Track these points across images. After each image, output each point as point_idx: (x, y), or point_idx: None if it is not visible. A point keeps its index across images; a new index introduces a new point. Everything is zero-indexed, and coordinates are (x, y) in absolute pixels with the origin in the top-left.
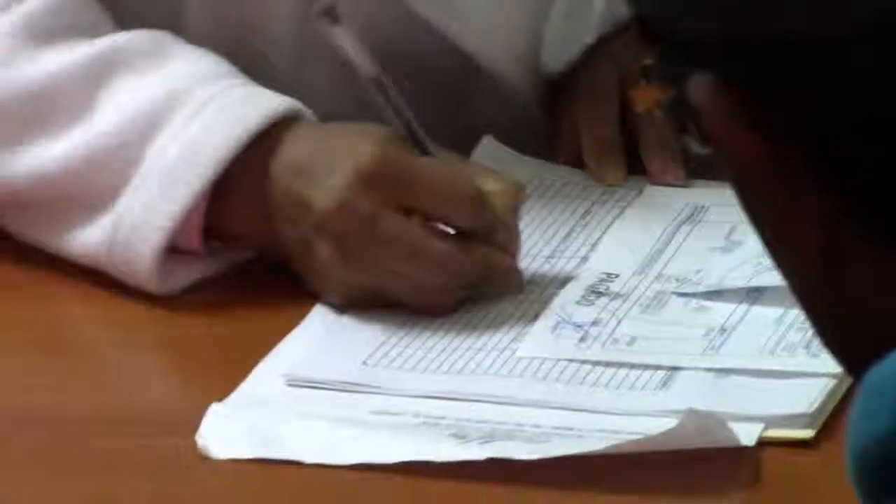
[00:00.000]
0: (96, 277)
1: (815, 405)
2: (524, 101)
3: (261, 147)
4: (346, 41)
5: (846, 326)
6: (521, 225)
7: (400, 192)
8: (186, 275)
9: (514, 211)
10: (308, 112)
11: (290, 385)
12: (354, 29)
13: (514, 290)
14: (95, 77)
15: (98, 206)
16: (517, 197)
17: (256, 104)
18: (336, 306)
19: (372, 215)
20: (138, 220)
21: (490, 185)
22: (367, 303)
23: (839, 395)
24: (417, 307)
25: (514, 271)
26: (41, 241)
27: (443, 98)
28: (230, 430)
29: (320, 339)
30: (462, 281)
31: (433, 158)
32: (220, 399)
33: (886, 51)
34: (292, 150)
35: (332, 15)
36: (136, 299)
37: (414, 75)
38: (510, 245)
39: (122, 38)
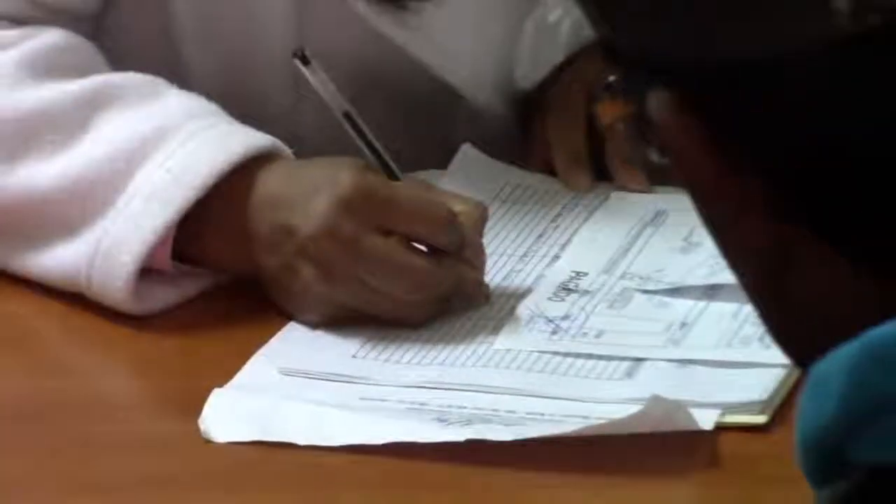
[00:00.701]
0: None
1: (768, 393)
2: (498, 119)
3: (241, 178)
4: (317, 80)
5: (794, 322)
6: (498, 228)
7: (379, 215)
8: (163, 297)
9: (480, 230)
10: (287, 150)
11: (284, 375)
12: (323, 68)
13: (480, 302)
14: (90, 107)
15: (81, 227)
16: (481, 217)
17: (239, 139)
18: (310, 324)
19: (354, 237)
20: (117, 240)
21: (457, 207)
22: (346, 320)
23: (790, 384)
24: (395, 321)
25: (481, 284)
26: (15, 262)
27: (424, 119)
28: (229, 415)
29: (312, 336)
30: (437, 294)
31: (405, 184)
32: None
33: (830, 74)
34: (272, 182)
35: (302, 57)
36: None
37: (396, 99)
38: (477, 260)
39: (119, 76)
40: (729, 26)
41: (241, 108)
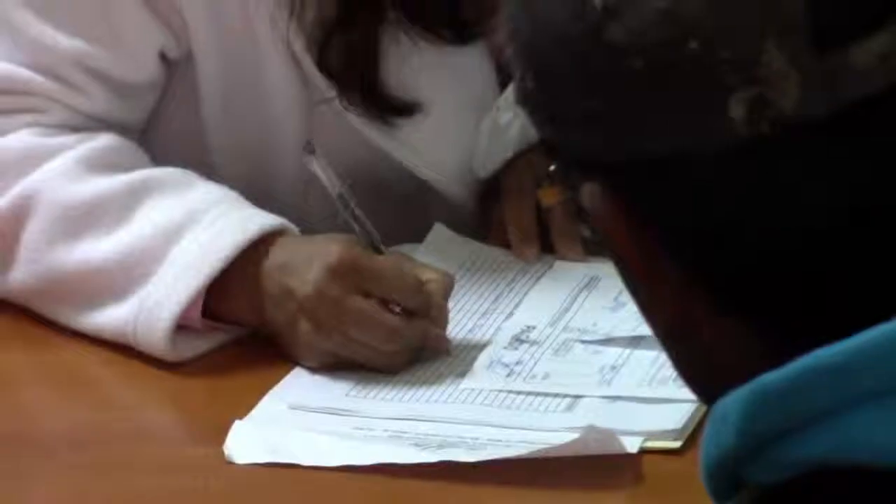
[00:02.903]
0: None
1: (682, 423)
2: (463, 205)
3: (256, 251)
4: (318, 167)
5: (698, 368)
6: (464, 291)
7: (360, 282)
8: (194, 347)
9: (445, 295)
10: (292, 227)
11: (292, 409)
12: (326, 158)
13: (443, 353)
14: (135, 196)
15: (128, 292)
16: (447, 284)
17: (255, 220)
18: (311, 368)
19: (340, 299)
20: (157, 303)
21: (427, 276)
22: (338, 366)
23: (699, 416)
24: (374, 367)
25: (444, 339)
26: (75, 320)
27: (405, 203)
28: (248, 441)
29: (313, 378)
30: (406, 345)
31: (385, 256)
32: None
33: (728, 171)
34: (278, 254)
35: (308, 148)
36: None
37: (383, 187)
38: (440, 319)
39: (158, 171)
40: (646, 131)
41: (258, 191)
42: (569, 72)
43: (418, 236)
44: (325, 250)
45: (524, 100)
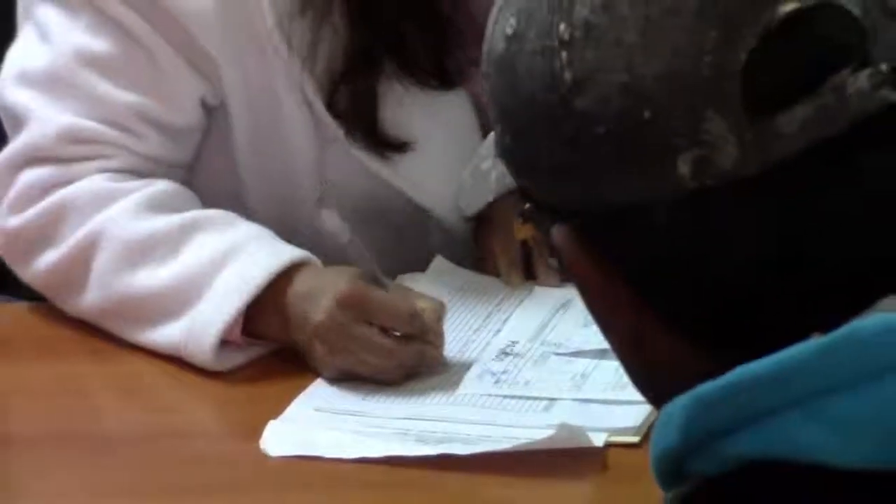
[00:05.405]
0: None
1: (640, 422)
2: (456, 231)
3: (285, 278)
4: (330, 219)
5: (648, 378)
6: (459, 312)
7: (365, 311)
8: (235, 359)
9: (439, 320)
10: (315, 260)
11: (317, 411)
12: (336, 209)
13: (439, 368)
14: (186, 233)
15: (180, 313)
16: (440, 311)
17: (284, 253)
18: (329, 380)
19: (347, 325)
20: (205, 323)
21: (422, 304)
22: (351, 378)
23: (655, 416)
24: (378, 381)
25: (438, 358)
26: (135, 336)
27: (409, 233)
28: (280, 438)
29: (334, 387)
30: (403, 364)
31: (386, 289)
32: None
33: (677, 217)
34: (300, 283)
35: (321, 200)
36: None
37: (390, 220)
38: (436, 342)
39: (206, 212)
40: (608, 184)
41: (284, 218)
42: (541, 134)
43: (418, 258)
44: (335, 283)
45: (502, 153)
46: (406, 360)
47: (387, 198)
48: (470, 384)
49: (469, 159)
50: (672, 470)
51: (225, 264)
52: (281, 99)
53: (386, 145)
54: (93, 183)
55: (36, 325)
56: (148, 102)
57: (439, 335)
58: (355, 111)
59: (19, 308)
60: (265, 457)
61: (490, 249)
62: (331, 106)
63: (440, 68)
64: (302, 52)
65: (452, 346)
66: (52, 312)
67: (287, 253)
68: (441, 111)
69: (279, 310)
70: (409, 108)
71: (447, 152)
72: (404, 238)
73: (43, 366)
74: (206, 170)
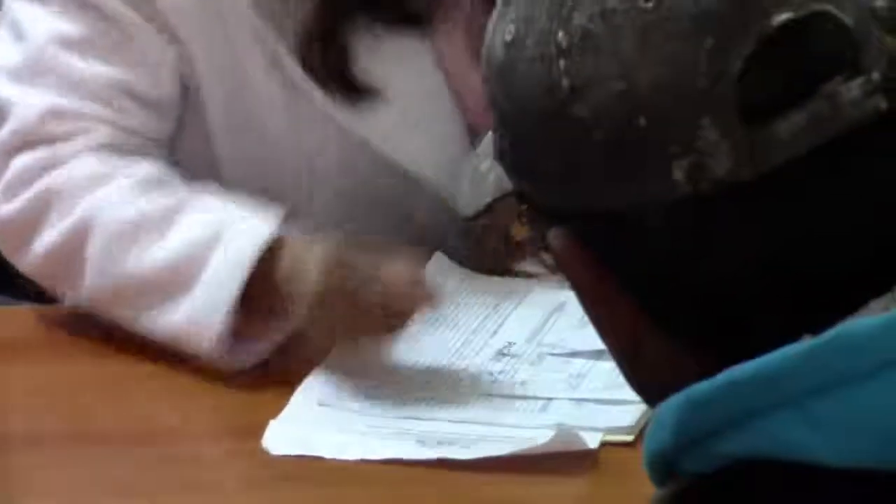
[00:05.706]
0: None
1: (634, 421)
2: (444, 204)
3: (267, 264)
4: (320, 209)
5: (643, 378)
6: (457, 313)
7: (349, 272)
8: (247, 357)
9: (414, 274)
10: (289, 236)
11: (321, 405)
12: (323, 201)
13: (433, 308)
14: (177, 210)
15: (179, 292)
16: (415, 269)
17: (268, 227)
18: (331, 369)
19: (341, 288)
20: (205, 305)
21: (394, 267)
22: (351, 350)
23: (649, 415)
24: (379, 334)
25: (431, 304)
26: (139, 325)
27: (391, 213)
28: (281, 437)
29: (335, 377)
30: (404, 311)
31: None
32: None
33: (673, 221)
34: (283, 265)
35: (310, 192)
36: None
37: (368, 199)
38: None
39: (193, 192)
40: (605, 189)
41: (266, 193)
42: (540, 139)
43: (409, 241)
44: (318, 253)
45: (501, 156)
46: (401, 305)
47: (369, 172)
48: (468, 384)
49: (436, 115)
50: (664, 468)
51: (219, 237)
52: (248, 72)
53: (358, 93)
54: (82, 165)
55: (36, 327)
56: (126, 76)
57: (422, 281)
58: (328, 63)
59: (20, 311)
60: (265, 456)
61: (489, 250)
62: (305, 62)
63: (404, 10)
64: (272, 14)
65: (451, 347)
66: (52, 314)
67: (272, 227)
68: (410, 66)
69: (271, 299)
70: (380, 59)
71: (415, 106)
72: (391, 217)
73: (43, 366)
74: (179, 151)
